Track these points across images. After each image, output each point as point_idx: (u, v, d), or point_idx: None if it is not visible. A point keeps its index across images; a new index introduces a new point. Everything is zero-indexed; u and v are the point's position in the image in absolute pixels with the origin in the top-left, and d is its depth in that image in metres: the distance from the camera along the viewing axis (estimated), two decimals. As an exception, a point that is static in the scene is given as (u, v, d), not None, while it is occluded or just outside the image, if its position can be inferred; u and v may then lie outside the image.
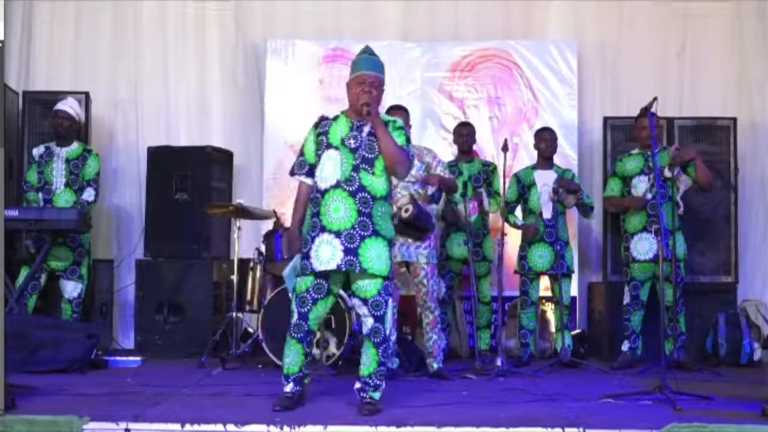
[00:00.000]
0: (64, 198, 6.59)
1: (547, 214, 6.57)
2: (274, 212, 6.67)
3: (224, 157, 7.56)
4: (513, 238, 6.83)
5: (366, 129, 4.50)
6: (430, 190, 5.82)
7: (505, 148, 6.13)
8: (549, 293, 6.91)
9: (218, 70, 7.97)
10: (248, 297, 6.51)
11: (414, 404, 4.63)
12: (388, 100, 7.56)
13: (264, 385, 5.39)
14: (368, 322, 4.45)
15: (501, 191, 6.63)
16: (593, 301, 7.44)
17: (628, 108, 7.26)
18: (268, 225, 6.82)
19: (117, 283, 7.55)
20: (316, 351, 5.95)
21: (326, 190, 4.45)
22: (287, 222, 6.92)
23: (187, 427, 3.92)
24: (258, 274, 6.50)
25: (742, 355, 6.67)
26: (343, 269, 4.38)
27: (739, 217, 7.23)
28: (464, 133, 6.93)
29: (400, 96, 7.39)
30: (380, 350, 4.44)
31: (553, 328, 6.94)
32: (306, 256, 4.45)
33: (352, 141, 4.48)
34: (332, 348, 5.99)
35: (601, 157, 7.42)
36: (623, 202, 6.55)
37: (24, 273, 6.46)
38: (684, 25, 7.85)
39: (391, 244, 4.50)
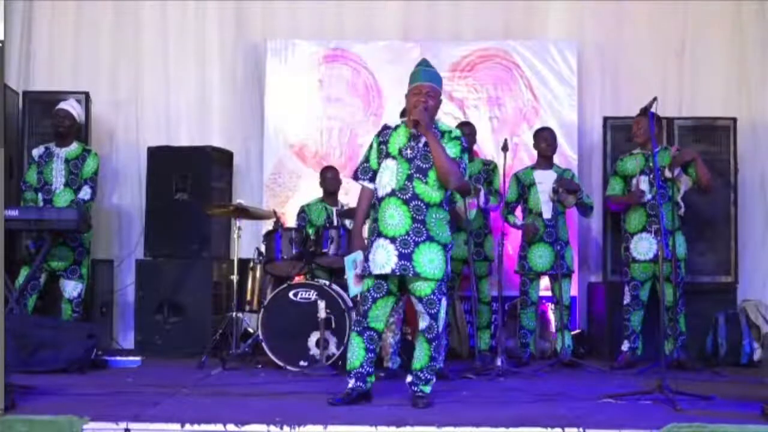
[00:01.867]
0: (63, 198, 6.59)
1: (547, 214, 6.57)
2: (274, 212, 6.67)
3: (224, 157, 7.56)
4: (513, 238, 6.83)
5: (424, 139, 4.68)
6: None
7: (505, 148, 6.13)
8: (549, 293, 6.91)
9: (218, 70, 7.97)
10: (248, 297, 6.51)
11: (414, 404, 4.62)
12: (389, 100, 7.63)
13: (264, 385, 5.40)
14: (424, 319, 4.64)
15: (501, 190, 6.62)
16: (593, 301, 7.44)
17: (628, 108, 7.25)
18: (268, 225, 6.82)
19: (117, 283, 7.56)
20: (316, 351, 5.97)
21: (383, 198, 4.67)
22: (287, 222, 6.96)
23: (187, 427, 3.91)
24: (258, 274, 6.51)
25: (742, 355, 6.67)
26: (397, 273, 4.59)
27: (739, 217, 7.24)
28: (465, 133, 6.87)
29: (400, 96, 7.36)
30: (432, 346, 4.65)
31: (553, 328, 6.94)
32: (366, 258, 4.70)
33: (409, 151, 4.68)
34: (332, 348, 5.99)
35: (601, 157, 7.42)
36: (624, 200, 6.55)
37: (24, 273, 6.46)
38: (684, 25, 7.86)
39: (446, 248, 4.67)
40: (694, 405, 4.54)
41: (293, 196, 7.57)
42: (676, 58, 7.84)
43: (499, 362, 5.85)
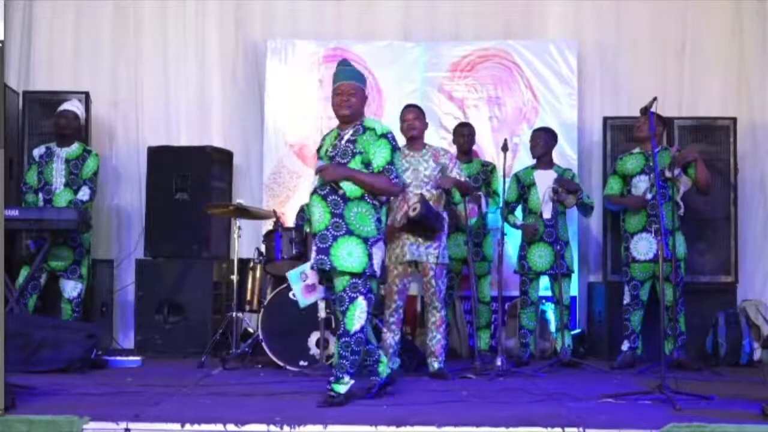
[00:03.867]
0: (64, 198, 6.59)
1: (546, 214, 6.56)
2: (274, 212, 6.66)
3: (224, 157, 7.56)
4: (513, 238, 6.83)
5: (346, 136, 4.78)
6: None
7: (504, 148, 6.13)
8: (549, 293, 6.91)
9: (218, 70, 7.97)
10: (248, 297, 6.52)
11: (414, 404, 4.63)
12: (389, 100, 7.63)
13: (264, 385, 5.39)
14: (337, 316, 4.75)
15: (500, 191, 6.62)
16: (593, 301, 7.44)
17: (628, 108, 7.26)
18: (268, 225, 6.81)
19: (117, 283, 7.55)
20: (316, 351, 5.97)
21: (311, 196, 4.79)
22: (287, 222, 6.96)
23: (187, 426, 3.91)
24: (258, 274, 6.51)
25: (742, 355, 6.68)
26: (315, 268, 4.71)
27: (739, 217, 7.24)
28: (465, 134, 6.94)
29: (400, 96, 7.40)
30: (341, 343, 4.68)
31: (553, 328, 6.94)
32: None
33: (331, 149, 4.81)
34: (332, 348, 5.99)
35: (600, 157, 7.42)
36: (623, 202, 6.55)
37: (24, 273, 6.47)
38: (684, 25, 7.85)
39: (368, 242, 4.66)
40: (693, 405, 4.54)
41: (293, 196, 7.57)
42: (676, 58, 7.83)
43: (499, 362, 5.85)
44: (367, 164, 4.69)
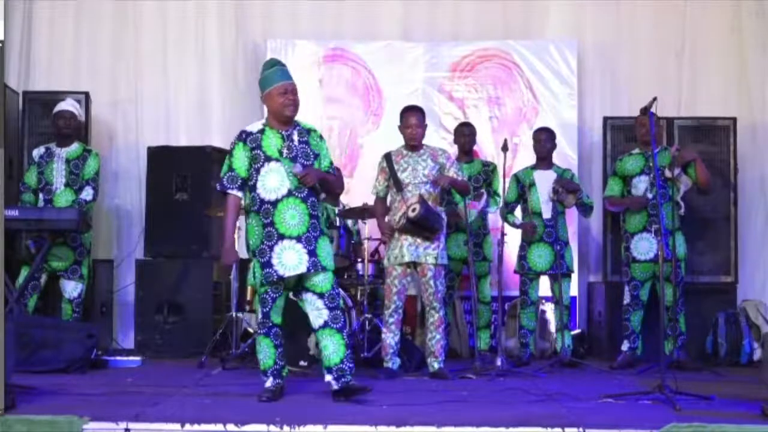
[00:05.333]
0: (64, 198, 6.59)
1: (546, 214, 6.56)
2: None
3: (224, 157, 7.53)
4: (513, 238, 6.83)
5: (295, 137, 4.78)
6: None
7: (505, 148, 6.13)
8: (549, 293, 6.91)
9: (218, 70, 7.97)
10: (248, 297, 6.51)
11: (414, 404, 4.62)
12: (389, 100, 7.63)
13: (264, 385, 5.39)
14: (321, 315, 4.73)
15: (501, 191, 6.63)
16: (593, 301, 7.44)
17: (628, 108, 7.26)
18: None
19: (117, 283, 7.54)
20: (316, 351, 5.96)
21: (278, 200, 4.69)
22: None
23: (187, 427, 3.91)
24: (258, 274, 6.50)
25: (742, 355, 6.68)
26: (312, 271, 4.69)
27: (739, 217, 7.24)
28: (466, 133, 6.93)
29: (400, 96, 7.40)
30: (344, 333, 4.77)
31: (553, 328, 6.94)
32: (267, 265, 4.69)
33: (286, 151, 4.74)
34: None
35: (601, 157, 7.43)
36: (624, 202, 6.55)
37: (24, 273, 6.46)
38: (683, 25, 7.85)
39: (330, 238, 4.94)
40: (694, 405, 4.54)
41: (293, 195, 7.55)
42: (676, 58, 7.83)
43: (499, 362, 5.86)
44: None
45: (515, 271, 6.77)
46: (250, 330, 6.72)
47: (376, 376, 5.57)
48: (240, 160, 4.77)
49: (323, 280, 4.72)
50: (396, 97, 7.45)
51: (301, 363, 5.98)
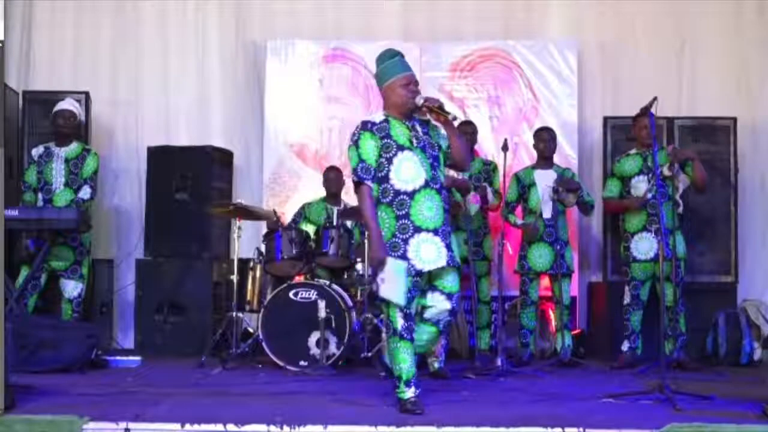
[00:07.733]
0: (63, 198, 6.59)
1: (547, 213, 6.56)
2: (274, 212, 6.67)
3: (224, 157, 7.56)
4: (513, 238, 6.83)
5: (418, 128, 4.58)
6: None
7: (505, 148, 6.14)
8: (549, 293, 6.91)
9: (218, 70, 7.96)
10: (248, 297, 6.51)
11: (414, 404, 4.62)
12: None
13: (264, 385, 5.39)
14: (444, 317, 4.55)
15: (501, 190, 6.62)
16: (593, 301, 7.44)
17: (628, 108, 7.23)
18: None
19: (117, 283, 7.55)
20: (316, 351, 5.97)
21: (415, 191, 4.44)
22: (286, 222, 6.96)
23: (187, 426, 3.91)
24: (258, 273, 6.51)
25: (742, 355, 6.68)
26: (451, 265, 4.47)
27: (739, 217, 7.23)
28: (468, 132, 6.93)
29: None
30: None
31: (553, 328, 6.94)
32: (403, 258, 4.39)
33: (415, 141, 4.52)
34: (332, 348, 5.99)
35: (601, 156, 7.43)
36: (623, 203, 6.55)
37: (24, 273, 6.46)
38: (684, 25, 7.84)
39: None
40: (694, 405, 4.54)
41: (293, 196, 7.56)
42: (675, 58, 7.83)
43: (499, 362, 5.85)
44: None
45: (515, 271, 6.78)
46: (250, 330, 6.72)
47: (377, 376, 5.57)
48: (369, 150, 4.48)
49: (454, 281, 4.52)
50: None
51: (301, 363, 5.98)
